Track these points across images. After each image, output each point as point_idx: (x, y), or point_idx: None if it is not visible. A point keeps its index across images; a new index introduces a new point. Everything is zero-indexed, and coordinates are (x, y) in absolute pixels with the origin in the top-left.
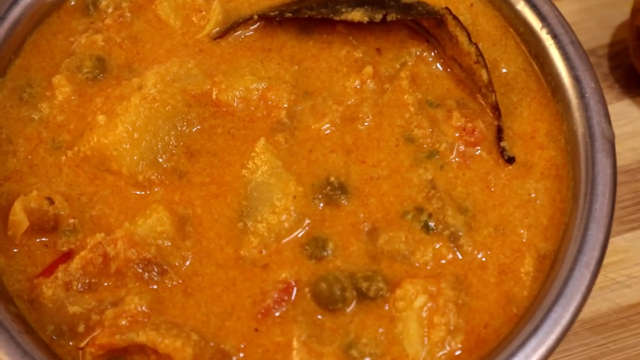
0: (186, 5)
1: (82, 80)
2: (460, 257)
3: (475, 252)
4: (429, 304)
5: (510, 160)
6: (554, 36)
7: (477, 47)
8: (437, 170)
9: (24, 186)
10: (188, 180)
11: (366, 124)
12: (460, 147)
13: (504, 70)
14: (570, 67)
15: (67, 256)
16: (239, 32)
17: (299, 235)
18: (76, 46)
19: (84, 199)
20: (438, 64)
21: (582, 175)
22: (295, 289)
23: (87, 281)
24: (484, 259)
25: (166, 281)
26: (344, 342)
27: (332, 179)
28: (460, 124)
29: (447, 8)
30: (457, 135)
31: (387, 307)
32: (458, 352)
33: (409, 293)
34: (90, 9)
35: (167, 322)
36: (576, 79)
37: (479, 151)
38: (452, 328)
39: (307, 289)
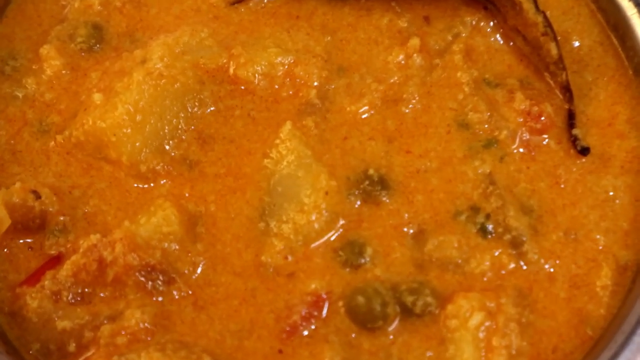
0: None
1: (75, 51)
2: (524, 266)
3: (542, 260)
4: (487, 323)
5: (584, 151)
6: (638, 4)
7: (545, 16)
8: (496, 162)
9: (5, 177)
10: (200, 172)
11: (411, 106)
12: (524, 135)
13: (577, 44)
14: None
15: (56, 261)
16: None
17: (332, 239)
18: (68, 11)
19: (77, 192)
20: (497, 36)
21: None
22: (326, 302)
23: (80, 291)
24: (552, 270)
25: (173, 292)
26: None
27: (371, 171)
28: (524, 107)
29: None
30: (520, 120)
31: (436, 326)
32: None
33: (462, 309)
34: None
35: (175, 342)
36: None
37: (547, 140)
38: (514, 352)
39: (340, 303)
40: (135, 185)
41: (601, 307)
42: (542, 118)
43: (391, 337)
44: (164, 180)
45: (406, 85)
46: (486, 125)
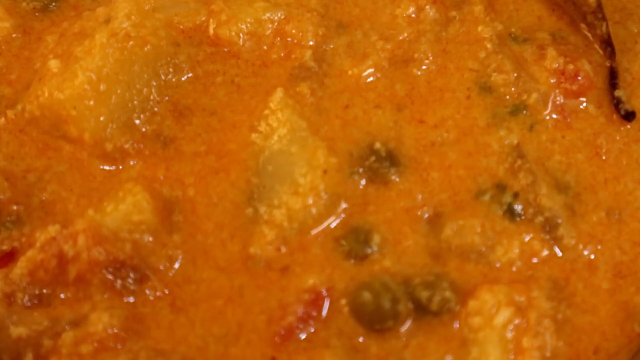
0: None
1: (27, 11)
2: (559, 253)
3: (581, 246)
4: (516, 321)
5: (629, 115)
6: None
7: None
8: (525, 131)
9: None
10: (176, 150)
11: (425, 67)
12: (558, 98)
13: None
14: None
15: (9, 257)
16: None
17: (332, 226)
18: None
19: (32, 177)
20: None
21: None
22: (327, 300)
23: (37, 292)
24: (592, 257)
25: (147, 291)
26: None
27: (378, 145)
28: (557, 65)
29: None
30: (553, 81)
31: (456, 326)
32: None
33: (487, 305)
34: None
35: (149, 349)
36: None
37: (585, 104)
38: (548, 354)
39: (344, 301)
40: (101, 167)
41: None
42: (579, 78)
43: (404, 339)
44: (134, 161)
45: (418, 43)
46: (513, 88)
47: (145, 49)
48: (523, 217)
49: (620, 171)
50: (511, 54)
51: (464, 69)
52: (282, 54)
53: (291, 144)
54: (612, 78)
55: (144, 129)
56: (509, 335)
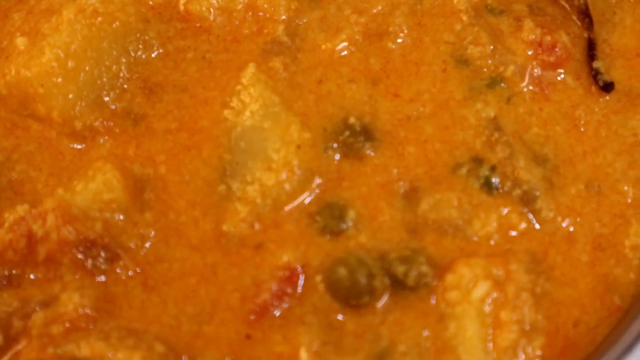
0: None
1: None
2: (537, 226)
3: (559, 219)
4: (494, 294)
5: (608, 87)
6: None
7: None
8: (502, 104)
9: None
10: (147, 127)
11: (400, 41)
12: (535, 70)
13: None
14: None
15: None
16: None
17: (307, 202)
18: None
19: (0, 157)
20: None
21: None
22: (302, 277)
23: (6, 273)
24: (571, 229)
25: (118, 270)
26: (373, 351)
27: (352, 120)
28: (534, 37)
29: None
30: (530, 53)
31: (433, 301)
32: None
33: (464, 279)
34: None
35: (121, 329)
36: None
37: (562, 76)
38: (527, 328)
39: (319, 278)
40: (70, 145)
41: (631, 271)
42: (556, 49)
43: (380, 315)
44: (104, 139)
45: (392, 16)
46: (489, 61)
47: (114, 25)
48: (500, 190)
49: (599, 143)
50: (487, 26)
51: (439, 42)
52: (254, 29)
53: (264, 119)
54: (590, 49)
55: (113, 107)
56: (487, 309)
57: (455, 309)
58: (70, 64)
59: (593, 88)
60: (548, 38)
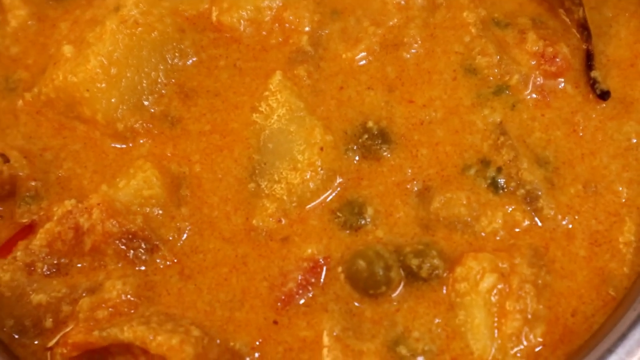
0: None
1: (41, 0)
2: (539, 223)
3: (559, 217)
4: (500, 286)
5: (604, 95)
6: None
7: None
8: (507, 110)
9: None
10: (183, 129)
11: (413, 51)
12: (538, 79)
13: None
14: None
15: (29, 230)
16: None
17: (329, 199)
18: None
19: (49, 155)
20: None
21: None
22: (324, 268)
23: (55, 262)
24: (570, 226)
25: (157, 261)
26: (389, 337)
27: (371, 124)
28: (537, 48)
29: None
30: (533, 63)
31: (444, 291)
32: (538, 348)
33: (472, 272)
34: None
35: (160, 314)
36: None
37: (563, 84)
38: (529, 316)
39: (340, 269)
40: (113, 145)
41: (624, 265)
42: (557, 60)
43: (395, 303)
44: (144, 140)
45: (407, 28)
46: (496, 70)
47: (153, 34)
48: (506, 190)
49: (596, 147)
50: (494, 38)
51: (450, 52)
52: (280, 39)
53: (290, 123)
54: (589, 60)
55: (152, 110)
56: (493, 299)
57: (464, 299)
58: (113, 70)
59: (591, 96)
60: (550, 49)
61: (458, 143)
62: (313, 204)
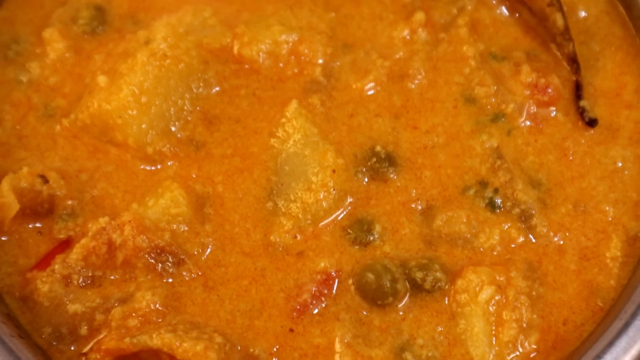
0: None
1: (77, 34)
2: (533, 240)
3: (551, 234)
4: (497, 297)
5: (592, 122)
6: None
7: None
8: (503, 136)
9: (12, 162)
10: (207, 152)
11: (417, 82)
12: (532, 107)
13: (583, 14)
14: None
15: (66, 245)
16: None
17: (340, 217)
18: None
19: (84, 176)
20: (503, 8)
21: None
22: (336, 280)
23: (90, 274)
24: (561, 242)
25: (183, 273)
26: (396, 344)
27: (378, 148)
28: (530, 79)
29: None
30: (527, 93)
31: (446, 301)
32: (533, 355)
33: (472, 284)
34: None
35: (186, 322)
36: None
37: (554, 112)
38: (524, 325)
39: (350, 281)
40: (142, 167)
41: (611, 278)
42: (549, 90)
43: (401, 313)
44: (171, 162)
45: (412, 61)
46: (493, 99)
47: (180, 66)
48: (502, 209)
49: (585, 170)
50: (491, 70)
51: (451, 83)
52: (296, 70)
53: (305, 147)
54: (578, 90)
55: (179, 135)
56: (491, 309)
57: (464, 309)
58: (143, 99)
59: (580, 123)
60: (542, 80)
61: (458, 166)
62: (326, 221)
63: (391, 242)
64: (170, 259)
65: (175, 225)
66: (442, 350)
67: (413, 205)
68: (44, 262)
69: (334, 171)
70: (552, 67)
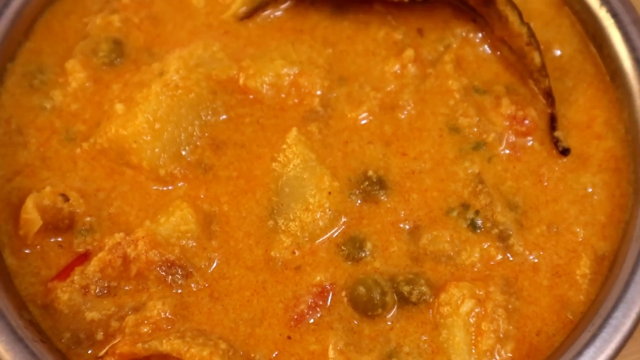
0: None
1: (97, 65)
2: (510, 258)
3: (527, 252)
4: (477, 309)
5: (565, 151)
6: (614, 15)
7: (529, 28)
8: (484, 162)
9: (35, 181)
10: (214, 175)
11: (407, 112)
12: (510, 137)
13: (558, 53)
14: (632, 49)
15: (84, 258)
16: (268, 11)
17: (335, 235)
18: (90, 27)
19: (101, 195)
20: (485, 46)
21: None
22: (331, 293)
23: (106, 285)
24: (536, 260)
25: (191, 285)
26: (384, 351)
27: (370, 172)
28: (510, 111)
29: None
30: (506, 124)
31: (430, 313)
32: None
33: (454, 297)
34: None
35: (193, 330)
36: (638, 62)
37: (531, 142)
38: (501, 335)
39: (343, 293)
40: (155, 187)
41: (580, 293)
42: (527, 121)
43: (390, 323)
44: (181, 183)
45: (402, 93)
46: (475, 129)
47: (190, 96)
48: (482, 229)
49: (558, 194)
50: (474, 102)
51: (437, 114)
52: (296, 101)
53: (303, 171)
54: (552, 122)
55: (189, 159)
56: (471, 320)
57: (447, 320)
58: (157, 125)
59: (554, 152)
60: (520, 113)
61: (443, 190)
62: (322, 239)
63: (381, 258)
64: (179, 272)
65: (184, 241)
66: (426, 358)
67: (401, 225)
68: (64, 273)
69: (329, 193)
70: (530, 100)
